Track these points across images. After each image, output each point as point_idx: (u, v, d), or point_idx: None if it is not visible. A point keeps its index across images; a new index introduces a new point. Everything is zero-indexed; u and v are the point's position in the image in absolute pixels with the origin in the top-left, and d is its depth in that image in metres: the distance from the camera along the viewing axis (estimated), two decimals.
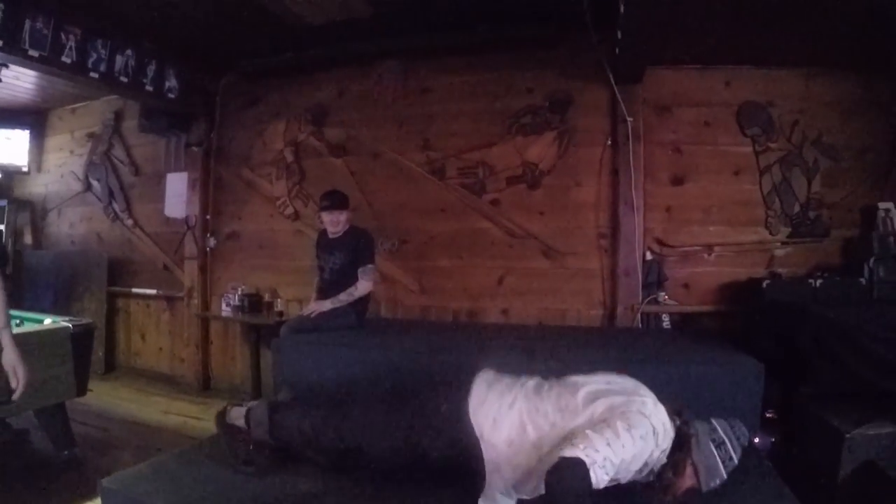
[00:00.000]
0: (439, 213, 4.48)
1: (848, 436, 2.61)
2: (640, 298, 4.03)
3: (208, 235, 5.19)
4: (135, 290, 5.58)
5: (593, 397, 2.07)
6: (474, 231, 4.41)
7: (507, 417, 2.09)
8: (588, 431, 1.86)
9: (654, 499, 2.06)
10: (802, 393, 3.14)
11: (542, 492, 1.83)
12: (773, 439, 3.20)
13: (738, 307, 3.85)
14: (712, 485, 2.08)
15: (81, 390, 3.36)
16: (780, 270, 3.87)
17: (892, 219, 3.65)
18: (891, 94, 3.77)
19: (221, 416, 2.55)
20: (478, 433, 2.09)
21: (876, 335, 2.81)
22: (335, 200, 3.78)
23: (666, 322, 4.07)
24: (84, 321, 3.41)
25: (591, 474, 1.74)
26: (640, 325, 4.05)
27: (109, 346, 5.62)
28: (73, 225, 6.03)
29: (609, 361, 2.92)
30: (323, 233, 3.92)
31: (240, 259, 5.11)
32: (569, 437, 1.90)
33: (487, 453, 2.07)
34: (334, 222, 3.75)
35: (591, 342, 3.50)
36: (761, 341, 3.40)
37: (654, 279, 4.03)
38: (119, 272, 5.62)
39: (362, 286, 3.67)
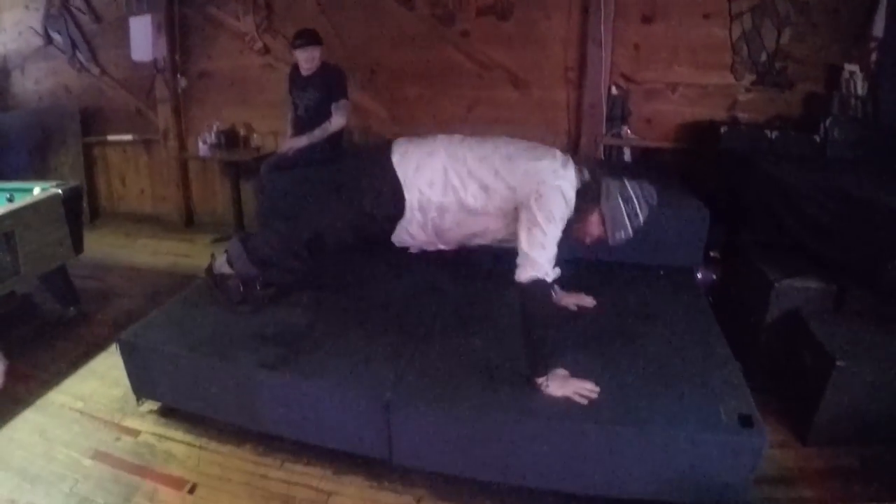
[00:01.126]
0: (409, 44, 4.47)
1: (777, 285, 2.86)
2: (604, 131, 4.17)
3: (178, 76, 5.12)
4: (110, 137, 5.57)
5: (511, 156, 2.34)
6: (444, 61, 4.44)
7: (428, 164, 2.38)
8: (526, 250, 2.17)
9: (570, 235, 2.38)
10: (742, 239, 3.36)
11: (469, 244, 2.39)
12: (715, 276, 3.45)
13: (696, 148, 4.00)
14: (618, 237, 2.33)
15: (78, 249, 3.49)
16: (740, 115, 3.98)
17: (855, 81, 3.69)
18: None
19: (210, 270, 2.77)
20: (402, 181, 2.37)
21: (816, 198, 2.93)
22: (308, 38, 3.77)
23: (627, 155, 4.25)
24: (72, 184, 3.46)
25: (547, 279, 2.10)
26: (602, 157, 4.21)
27: (92, 195, 5.68)
28: (38, 81, 5.84)
29: None
30: (295, 70, 3.92)
31: (212, 98, 5.09)
32: (517, 259, 2.19)
33: (409, 195, 2.38)
34: (308, 59, 3.76)
35: None
36: (711, 184, 3.57)
37: (618, 113, 4.15)
38: (92, 122, 5.56)
39: (336, 121, 3.74)
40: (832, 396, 2.52)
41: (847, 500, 2.37)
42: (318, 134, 3.73)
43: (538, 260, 2.14)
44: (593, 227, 2.35)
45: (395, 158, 2.42)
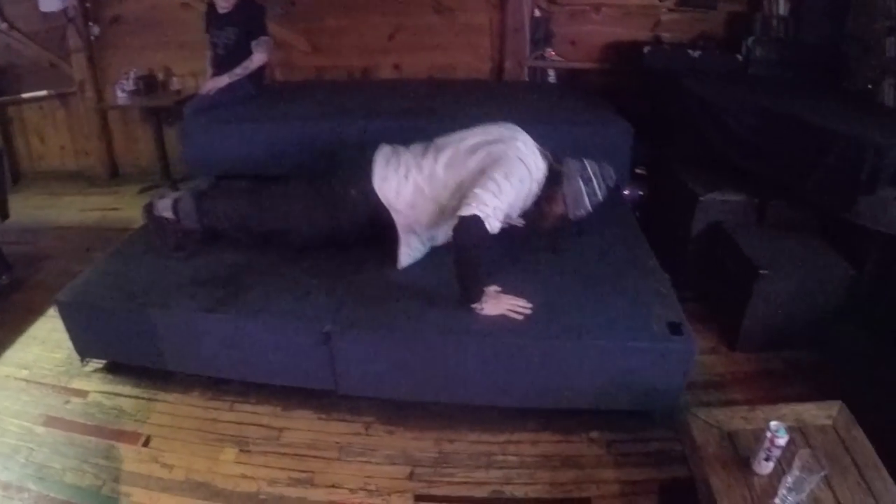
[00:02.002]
0: None
1: (701, 199, 2.96)
2: (528, 54, 4.16)
3: (90, 24, 4.79)
4: (24, 94, 5.18)
5: (474, 149, 2.34)
6: None
7: (405, 187, 2.38)
8: (476, 190, 2.15)
9: (533, 222, 2.46)
10: (667, 155, 3.44)
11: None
12: (642, 193, 3.56)
13: (621, 68, 4.03)
14: (578, 214, 2.41)
15: (4, 215, 3.36)
16: (664, 35, 4.00)
17: (777, 2, 3.73)
18: None
19: (149, 210, 2.68)
20: (387, 205, 2.38)
21: (738, 114, 3.00)
22: None
23: (552, 77, 4.27)
24: None
25: (486, 225, 2.08)
26: (527, 80, 4.21)
27: (11, 157, 5.32)
28: None
29: (494, 121, 3.11)
30: (211, 8, 3.74)
31: (127, 43, 4.80)
32: (463, 197, 2.18)
33: (397, 217, 2.40)
34: None
35: (478, 99, 3.65)
36: (636, 103, 3.61)
37: (542, 36, 4.14)
38: (3, 80, 5.18)
39: (257, 58, 3.63)
40: (757, 304, 2.66)
41: (774, 400, 2.47)
42: (239, 72, 3.61)
43: (485, 199, 2.12)
44: (557, 207, 2.41)
45: (377, 183, 2.40)
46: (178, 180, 4.52)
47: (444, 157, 2.38)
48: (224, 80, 3.61)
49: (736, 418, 1.80)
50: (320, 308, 2.29)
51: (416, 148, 2.51)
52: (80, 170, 5.30)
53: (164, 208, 2.66)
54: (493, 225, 2.12)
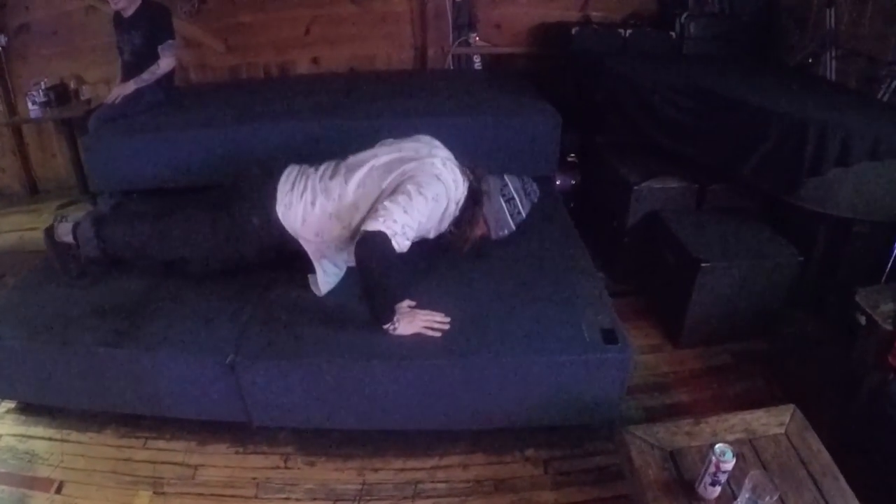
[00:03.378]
0: None
1: (636, 188, 2.82)
2: (451, 40, 4.03)
3: None
4: None
5: (388, 169, 2.16)
6: None
7: (312, 215, 2.18)
8: (386, 203, 1.99)
9: (451, 245, 2.29)
10: (599, 142, 3.32)
11: None
12: (574, 182, 3.43)
13: (549, 51, 3.91)
14: (501, 234, 2.33)
15: None
16: (594, 14, 3.89)
17: None
18: None
19: (50, 235, 2.49)
20: (293, 234, 2.20)
21: (670, 96, 2.88)
22: None
23: (477, 63, 4.14)
24: None
25: (394, 243, 1.90)
26: (451, 67, 4.08)
27: None
28: None
29: (417, 114, 3.04)
30: (117, 13, 3.52)
31: (36, 52, 4.52)
32: (371, 212, 2.02)
33: (307, 246, 2.21)
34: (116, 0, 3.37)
35: (401, 90, 3.50)
36: (565, 89, 3.50)
37: (465, 21, 4.00)
38: None
39: (164, 63, 3.41)
40: (699, 297, 2.54)
41: (722, 399, 2.41)
42: (146, 77, 3.40)
43: (394, 215, 1.95)
44: (478, 229, 2.30)
45: (280, 210, 2.19)
46: (98, 195, 4.26)
47: (355, 178, 2.18)
48: (131, 87, 3.40)
49: (679, 434, 1.68)
50: (223, 337, 2.11)
51: (326, 168, 2.30)
52: None
53: (65, 232, 2.46)
54: (401, 244, 1.95)
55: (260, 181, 2.28)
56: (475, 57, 4.12)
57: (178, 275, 2.44)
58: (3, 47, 4.53)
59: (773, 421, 1.70)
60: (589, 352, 1.96)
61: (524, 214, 2.34)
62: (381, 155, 2.24)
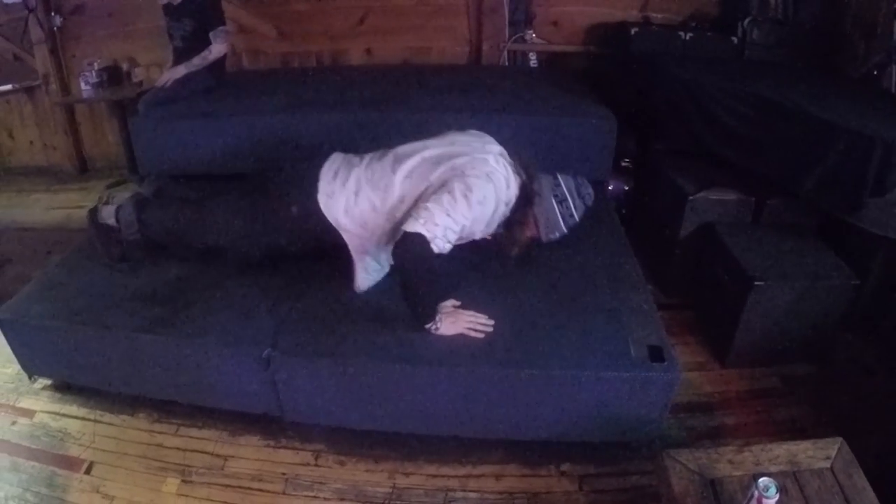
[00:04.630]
0: None
1: (691, 198, 2.71)
2: (507, 36, 3.95)
3: (52, 14, 4.56)
4: None
5: (437, 161, 2.09)
6: None
7: (356, 206, 2.11)
8: (429, 204, 1.92)
9: (501, 248, 2.23)
10: (655, 149, 3.20)
11: None
12: (627, 187, 3.33)
13: (606, 51, 3.80)
14: (552, 237, 2.22)
15: None
16: (653, 15, 3.77)
17: None
18: None
19: (93, 216, 2.49)
20: (335, 225, 2.12)
21: (730, 104, 2.77)
22: None
23: (533, 61, 4.04)
24: None
25: (433, 246, 1.84)
26: (506, 64, 4.00)
27: None
28: None
29: (469, 109, 2.97)
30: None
31: (91, 32, 4.59)
32: (413, 209, 1.96)
33: (348, 239, 2.14)
34: None
35: (454, 84, 3.41)
36: (621, 91, 3.38)
37: (522, 17, 3.92)
38: None
39: (216, 49, 3.41)
40: (750, 316, 2.43)
41: (767, 424, 2.31)
42: (196, 62, 3.39)
43: (436, 218, 1.88)
44: (528, 231, 2.22)
45: (322, 200, 2.12)
46: (145, 177, 4.31)
47: (403, 168, 2.10)
48: (181, 71, 3.40)
49: (721, 462, 1.59)
50: (261, 330, 2.09)
51: (372, 157, 2.23)
52: (49, 165, 5.12)
53: (108, 215, 2.47)
54: (441, 246, 1.89)
55: (302, 169, 2.23)
56: (531, 54, 4.03)
57: (217, 264, 2.42)
58: (57, 28, 4.62)
59: (819, 454, 1.61)
60: (634, 369, 1.89)
61: (577, 217, 2.23)
62: (432, 146, 2.17)
